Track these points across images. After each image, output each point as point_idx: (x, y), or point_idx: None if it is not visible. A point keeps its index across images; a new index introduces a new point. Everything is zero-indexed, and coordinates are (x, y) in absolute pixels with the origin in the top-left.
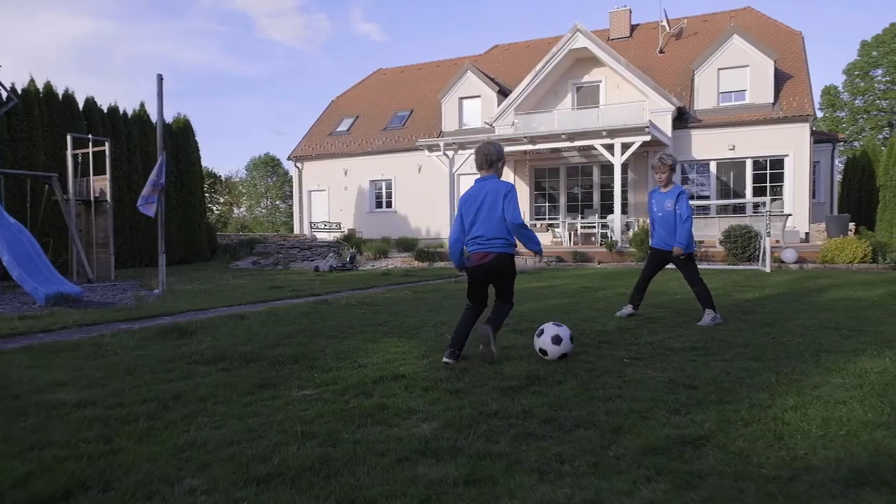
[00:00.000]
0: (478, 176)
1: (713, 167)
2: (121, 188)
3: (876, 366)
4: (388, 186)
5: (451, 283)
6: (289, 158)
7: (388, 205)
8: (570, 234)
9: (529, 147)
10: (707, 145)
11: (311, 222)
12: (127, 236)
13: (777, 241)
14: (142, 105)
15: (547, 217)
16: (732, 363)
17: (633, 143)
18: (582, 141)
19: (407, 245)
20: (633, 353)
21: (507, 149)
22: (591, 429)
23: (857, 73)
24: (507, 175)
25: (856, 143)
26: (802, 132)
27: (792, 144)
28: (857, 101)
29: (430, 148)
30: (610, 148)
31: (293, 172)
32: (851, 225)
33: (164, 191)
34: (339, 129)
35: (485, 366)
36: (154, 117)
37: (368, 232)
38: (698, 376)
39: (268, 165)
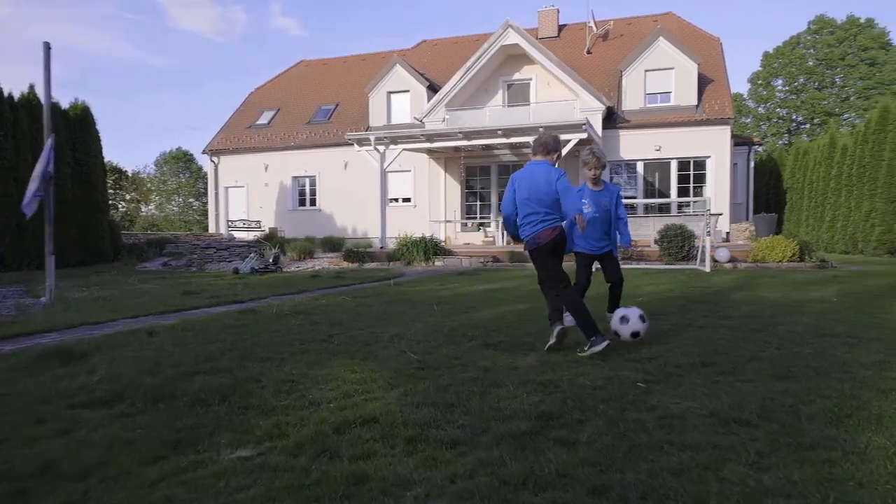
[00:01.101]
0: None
1: (640, 167)
2: (6, 181)
3: None
4: (313, 183)
5: (391, 286)
6: (204, 152)
7: (313, 202)
8: (502, 233)
9: (461, 143)
10: (634, 146)
11: (228, 220)
12: (14, 235)
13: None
14: (31, 88)
15: (478, 216)
16: (761, 384)
17: (569, 140)
18: (518, 137)
19: (333, 245)
20: (640, 372)
21: (437, 145)
22: None
23: (760, 82)
24: (438, 173)
25: (759, 148)
26: (723, 134)
27: (714, 146)
28: (760, 109)
29: (360, 142)
30: None
31: (208, 167)
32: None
33: (53, 180)
34: (258, 123)
35: (475, 396)
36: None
37: (291, 231)
38: (740, 405)
39: (180, 161)
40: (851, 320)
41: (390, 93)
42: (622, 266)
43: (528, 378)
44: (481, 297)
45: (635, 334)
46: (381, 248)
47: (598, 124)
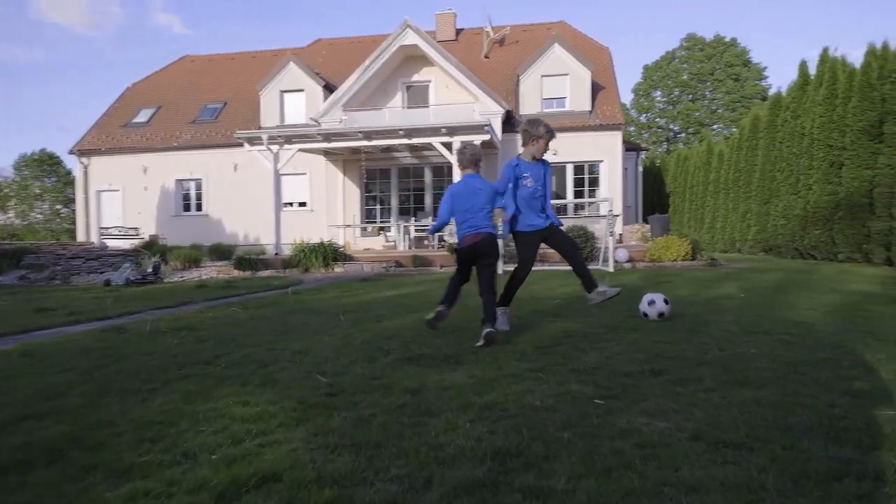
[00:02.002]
0: None
1: None
2: None
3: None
4: (199, 186)
5: (289, 294)
6: (71, 152)
7: (199, 207)
8: (404, 237)
9: (361, 143)
10: None
11: (100, 228)
12: None
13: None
14: None
15: (378, 219)
16: (727, 394)
17: (471, 141)
18: (420, 138)
19: (223, 252)
20: (589, 385)
21: (335, 145)
22: None
23: (641, 93)
24: (336, 175)
25: (643, 155)
26: (615, 139)
27: (606, 151)
28: (642, 118)
29: (251, 141)
30: (448, 146)
31: (77, 170)
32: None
33: None
34: (136, 121)
35: (406, 430)
36: None
37: (175, 238)
38: (720, 423)
39: (44, 163)
40: (770, 316)
41: (284, 92)
42: (544, 267)
43: (466, 400)
44: (390, 304)
45: (661, 314)
46: (276, 254)
47: (497, 128)
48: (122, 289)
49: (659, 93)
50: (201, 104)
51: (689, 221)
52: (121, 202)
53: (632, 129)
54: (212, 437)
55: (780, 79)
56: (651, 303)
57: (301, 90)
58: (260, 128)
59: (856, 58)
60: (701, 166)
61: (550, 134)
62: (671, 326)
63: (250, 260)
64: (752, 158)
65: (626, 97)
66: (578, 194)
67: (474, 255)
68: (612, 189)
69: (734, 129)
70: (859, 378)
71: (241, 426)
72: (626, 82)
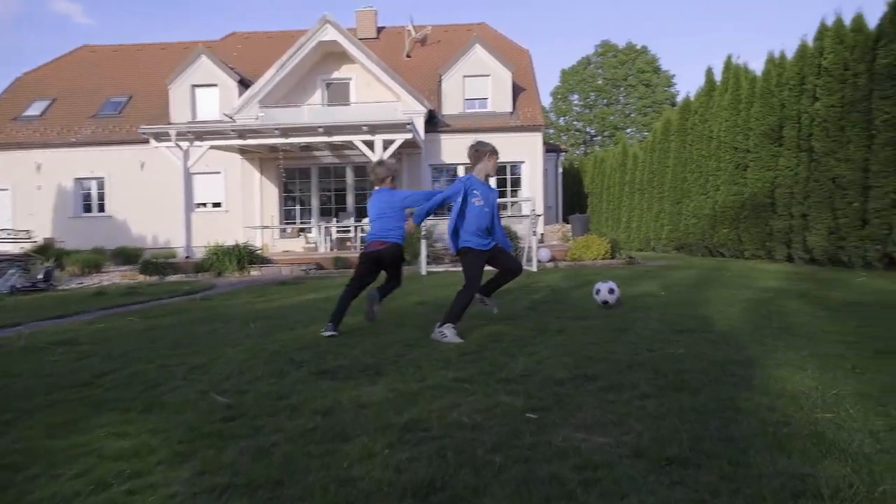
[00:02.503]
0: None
1: (461, 171)
2: None
3: (820, 381)
4: (101, 186)
5: (197, 300)
6: None
7: (101, 208)
8: (325, 239)
9: (278, 141)
10: (456, 149)
11: None
12: None
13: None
14: None
15: (298, 220)
16: (664, 400)
17: (394, 140)
18: (341, 136)
19: (129, 256)
20: (520, 396)
21: (251, 142)
22: None
23: (559, 96)
24: (252, 175)
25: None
26: (536, 141)
27: (528, 152)
28: (560, 121)
29: (158, 137)
30: (370, 145)
31: None
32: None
33: None
34: (27, 114)
35: (314, 462)
36: None
37: (75, 241)
38: (662, 435)
39: None
40: (692, 314)
41: (195, 86)
42: (454, 269)
43: (385, 420)
44: (307, 309)
45: (606, 302)
46: (187, 257)
47: (420, 127)
48: (4, 298)
49: (576, 96)
50: (104, 97)
51: (606, 221)
52: (10, 202)
53: (551, 131)
54: (70, 483)
55: (686, 85)
56: (611, 290)
57: (214, 85)
58: (170, 123)
59: (757, 66)
60: (617, 168)
61: (497, 152)
62: (598, 326)
63: (157, 264)
64: (665, 160)
65: (546, 100)
66: (501, 194)
67: (379, 262)
68: (533, 189)
69: (647, 133)
70: (789, 378)
71: (110, 466)
72: (546, 86)
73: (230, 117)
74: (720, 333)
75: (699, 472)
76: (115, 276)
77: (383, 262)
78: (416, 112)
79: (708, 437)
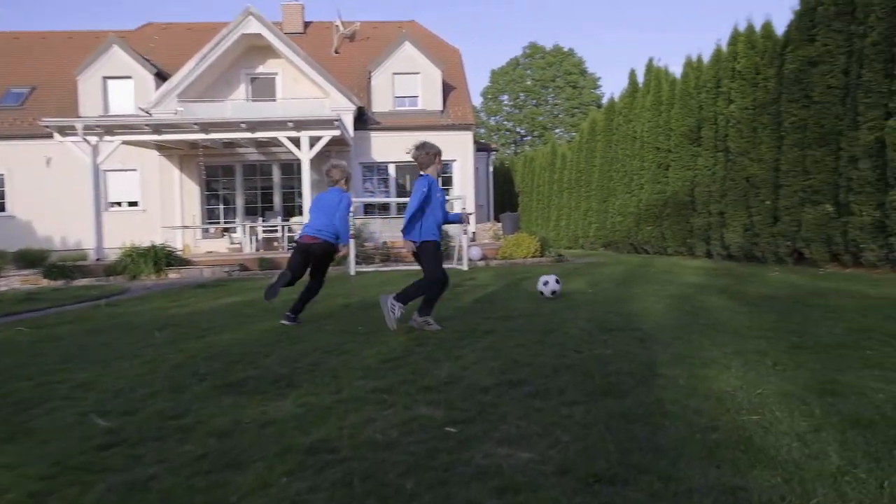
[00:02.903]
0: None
1: (392, 169)
2: None
3: (755, 382)
4: (1, 183)
5: (102, 307)
6: None
7: (2, 207)
8: (251, 239)
9: (197, 137)
10: (386, 147)
11: None
12: None
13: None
14: None
15: (222, 220)
16: (592, 406)
17: (321, 137)
18: (265, 132)
19: (33, 259)
20: (441, 406)
21: (168, 137)
22: None
23: (489, 96)
24: (171, 172)
25: (492, 156)
26: (467, 139)
27: (458, 150)
28: (491, 121)
29: (63, 130)
30: (296, 142)
31: None
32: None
33: None
34: None
35: (197, 497)
36: None
37: None
38: (588, 448)
39: None
40: (620, 311)
41: (107, 78)
42: (384, 269)
43: (288, 441)
44: (224, 314)
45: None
46: (98, 260)
47: (349, 124)
48: None
49: (506, 97)
50: (2, 88)
51: (536, 219)
52: None
53: (482, 130)
54: None
55: (612, 88)
56: (545, 283)
57: (128, 77)
58: (78, 117)
59: (677, 69)
60: (546, 167)
61: (441, 153)
62: (526, 327)
63: (63, 267)
64: (591, 160)
65: (477, 100)
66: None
67: (307, 254)
68: (464, 188)
69: (575, 134)
70: (715, 377)
71: None
72: (476, 86)
73: (146, 112)
74: (647, 331)
75: (627, 490)
76: (14, 281)
77: (312, 256)
78: (344, 109)
79: (636, 447)
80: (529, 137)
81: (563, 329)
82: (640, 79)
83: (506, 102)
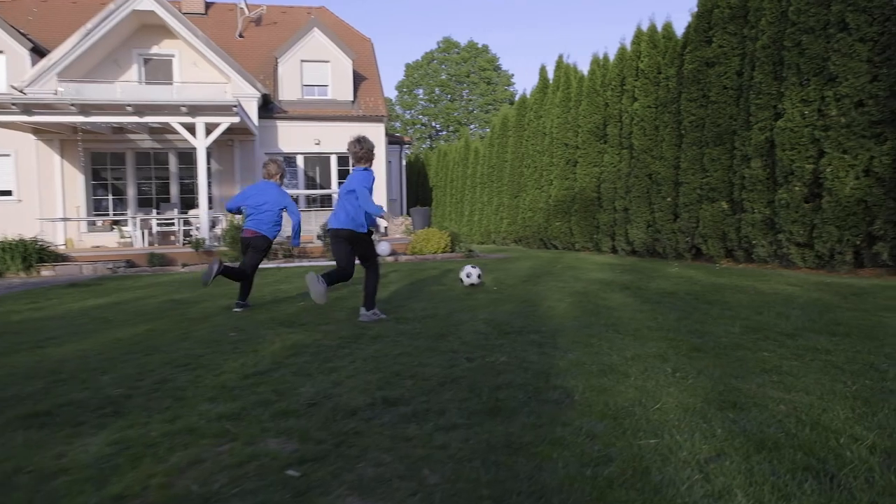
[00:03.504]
0: None
1: (300, 161)
2: None
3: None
4: None
5: None
6: None
7: None
8: (143, 233)
9: (76, 120)
10: (294, 138)
11: None
12: None
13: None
14: None
15: (112, 212)
16: (473, 432)
17: (218, 124)
18: (155, 117)
19: None
20: (294, 438)
21: (42, 119)
22: None
23: (405, 90)
24: (51, 159)
25: (407, 151)
26: (378, 131)
27: (373, 142)
28: (407, 115)
29: None
30: (191, 129)
31: None
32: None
33: None
34: None
35: None
36: None
37: None
38: (455, 491)
39: None
40: (522, 312)
41: None
42: (281, 266)
43: (73, 500)
44: (82, 318)
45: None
46: None
47: (253, 112)
48: None
49: (421, 91)
50: None
51: (450, 214)
52: None
53: (397, 124)
54: None
55: (525, 85)
56: (468, 275)
57: (0, 52)
58: None
59: (586, 66)
60: (460, 162)
61: None
62: (419, 331)
63: None
64: (503, 155)
65: (392, 93)
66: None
67: (247, 246)
68: (377, 181)
69: (489, 129)
70: (612, 388)
71: None
72: (391, 79)
73: (20, 90)
74: (547, 334)
75: None
76: None
77: (248, 248)
78: (248, 96)
79: (515, 490)
80: (445, 132)
81: (458, 333)
82: (551, 75)
83: (421, 96)
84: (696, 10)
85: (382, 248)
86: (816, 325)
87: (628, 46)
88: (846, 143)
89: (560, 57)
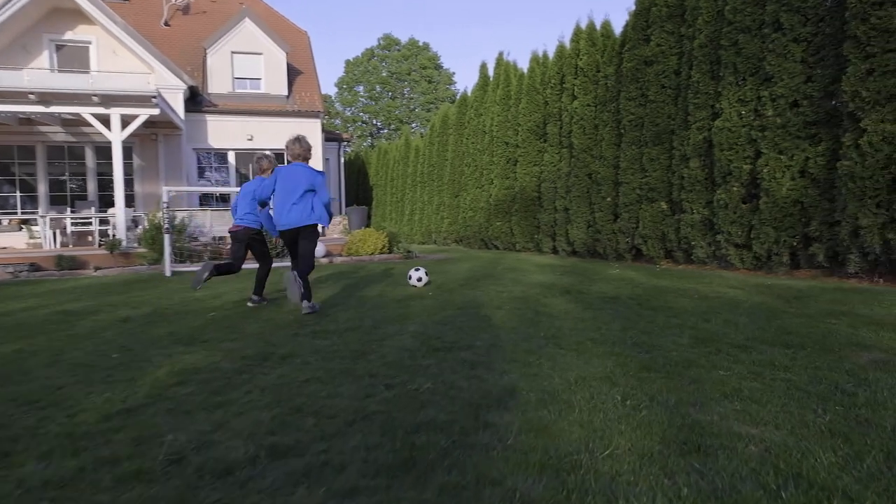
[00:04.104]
0: None
1: (232, 157)
2: None
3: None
4: None
5: None
6: None
7: None
8: (55, 233)
9: None
10: (225, 133)
11: None
12: None
13: None
14: None
15: (20, 210)
16: (380, 496)
17: (136, 116)
18: (64, 107)
19: None
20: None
21: None
22: None
23: (345, 86)
24: None
25: (349, 147)
26: (315, 127)
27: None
28: (347, 112)
29: None
30: (106, 121)
31: None
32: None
33: None
34: None
35: None
36: None
37: None
38: None
39: None
40: (457, 322)
41: None
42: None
43: None
44: None
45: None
46: None
47: (179, 105)
48: None
49: (361, 88)
50: None
51: (391, 214)
52: None
53: (338, 122)
54: None
55: (466, 84)
56: (415, 272)
57: None
58: None
59: (526, 63)
60: (400, 160)
61: None
62: (337, 348)
63: None
64: (444, 154)
65: (331, 90)
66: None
67: (234, 240)
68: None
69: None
70: (554, 426)
71: None
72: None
73: None
74: (482, 350)
75: None
76: None
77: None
78: (173, 87)
79: None
80: (386, 130)
81: (382, 350)
82: (491, 73)
83: (361, 94)
84: (633, 8)
85: (317, 249)
86: (767, 334)
87: (567, 44)
88: (782, 144)
89: (500, 54)
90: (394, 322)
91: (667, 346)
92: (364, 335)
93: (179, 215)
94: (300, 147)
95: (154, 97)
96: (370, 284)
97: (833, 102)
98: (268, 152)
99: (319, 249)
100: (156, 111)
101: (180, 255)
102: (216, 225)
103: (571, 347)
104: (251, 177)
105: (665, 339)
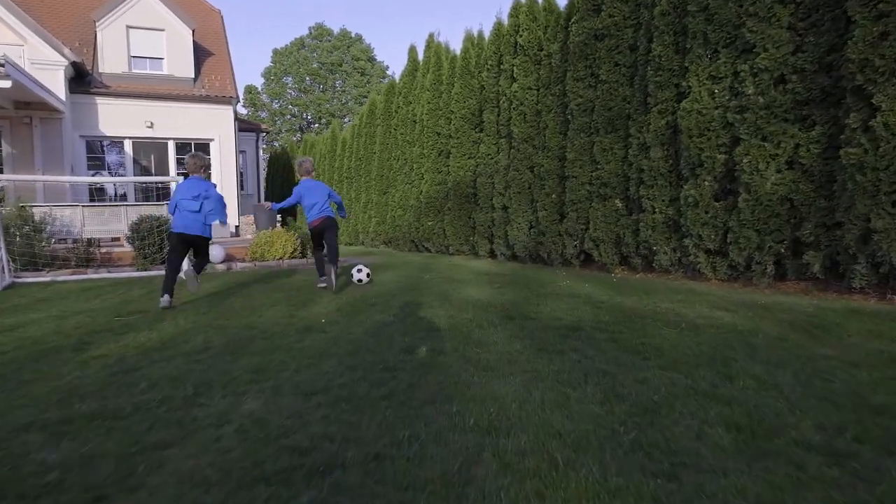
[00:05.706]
0: None
1: (129, 146)
2: None
3: None
4: None
5: None
6: None
7: None
8: None
9: None
10: (120, 119)
11: None
12: None
13: None
14: None
15: None
16: None
17: None
18: None
19: None
20: None
21: None
22: None
23: (272, 77)
24: None
25: (276, 143)
26: (227, 115)
27: (217, 128)
28: (275, 104)
29: None
30: None
31: None
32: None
33: None
34: None
35: None
36: None
37: None
38: None
39: None
40: (335, 392)
41: None
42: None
43: None
44: None
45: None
46: None
47: (59, 84)
48: None
49: (290, 79)
50: None
51: None
52: None
53: (265, 115)
54: None
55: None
56: (359, 270)
57: None
58: None
59: (459, 46)
60: (327, 154)
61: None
62: (161, 414)
63: None
64: (371, 146)
65: (258, 80)
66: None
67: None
68: (225, 173)
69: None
70: None
71: None
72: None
73: None
74: (355, 476)
75: None
76: None
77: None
78: (51, 63)
79: None
80: (317, 125)
81: (153, 480)
82: (421, 56)
83: (290, 85)
84: None
85: (215, 253)
86: (842, 413)
87: (505, 21)
88: (766, 129)
89: (431, 35)
90: (224, 389)
91: (698, 459)
92: (164, 425)
93: (38, 211)
94: (195, 163)
95: (2, 65)
96: (255, 303)
97: (829, 75)
98: (308, 158)
99: (217, 254)
100: (6, 84)
101: (35, 261)
102: (91, 224)
103: (527, 431)
104: (153, 170)
105: (686, 437)
